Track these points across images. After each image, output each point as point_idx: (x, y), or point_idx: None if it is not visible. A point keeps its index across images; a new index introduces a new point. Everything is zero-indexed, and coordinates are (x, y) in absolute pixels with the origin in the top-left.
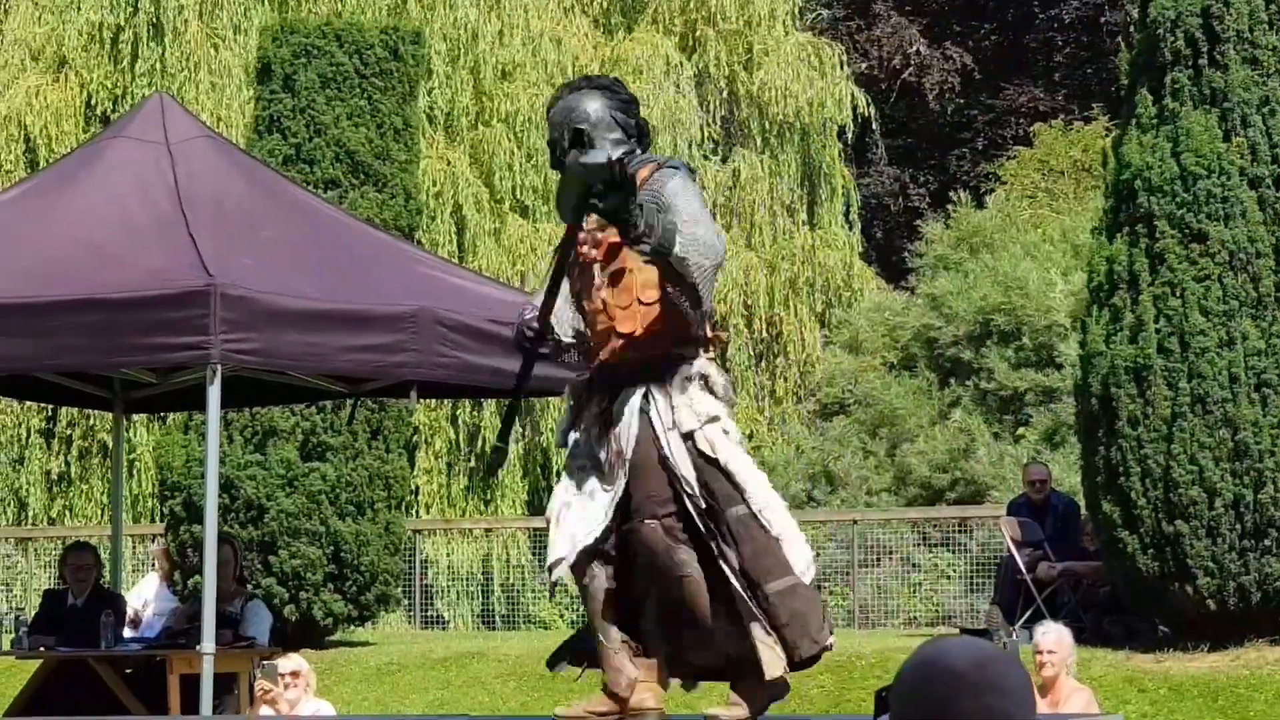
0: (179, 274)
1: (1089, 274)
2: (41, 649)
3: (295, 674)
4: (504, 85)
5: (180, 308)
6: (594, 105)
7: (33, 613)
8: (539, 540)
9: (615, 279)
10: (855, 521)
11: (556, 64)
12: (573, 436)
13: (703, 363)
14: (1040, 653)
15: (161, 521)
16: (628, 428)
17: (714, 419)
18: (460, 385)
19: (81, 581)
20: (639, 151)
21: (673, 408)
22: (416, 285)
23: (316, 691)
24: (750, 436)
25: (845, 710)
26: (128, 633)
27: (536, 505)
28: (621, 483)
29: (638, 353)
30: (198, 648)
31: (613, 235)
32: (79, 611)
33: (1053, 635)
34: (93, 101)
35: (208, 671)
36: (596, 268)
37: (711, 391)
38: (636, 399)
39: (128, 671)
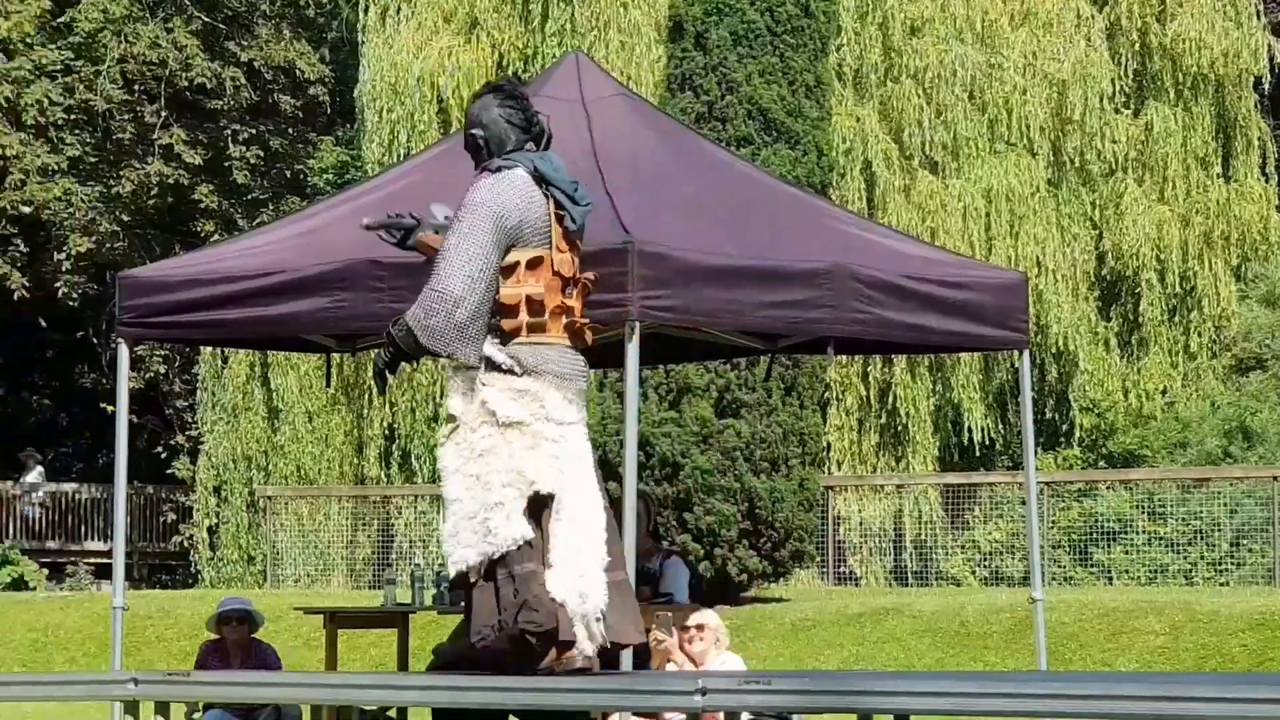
0: (597, 232)
1: None
2: (463, 604)
3: (700, 627)
4: (913, 41)
5: (598, 265)
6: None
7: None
8: (950, 497)
9: None
10: (1275, 478)
11: (965, 19)
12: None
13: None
14: None
15: None
16: None
17: None
18: (876, 341)
19: None
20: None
21: None
22: (831, 241)
23: (731, 647)
24: (1164, 393)
25: (1269, 668)
26: None
27: (948, 461)
28: None
29: None
30: None
31: None
32: None
33: None
34: (504, 62)
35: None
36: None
37: None
38: None
39: None
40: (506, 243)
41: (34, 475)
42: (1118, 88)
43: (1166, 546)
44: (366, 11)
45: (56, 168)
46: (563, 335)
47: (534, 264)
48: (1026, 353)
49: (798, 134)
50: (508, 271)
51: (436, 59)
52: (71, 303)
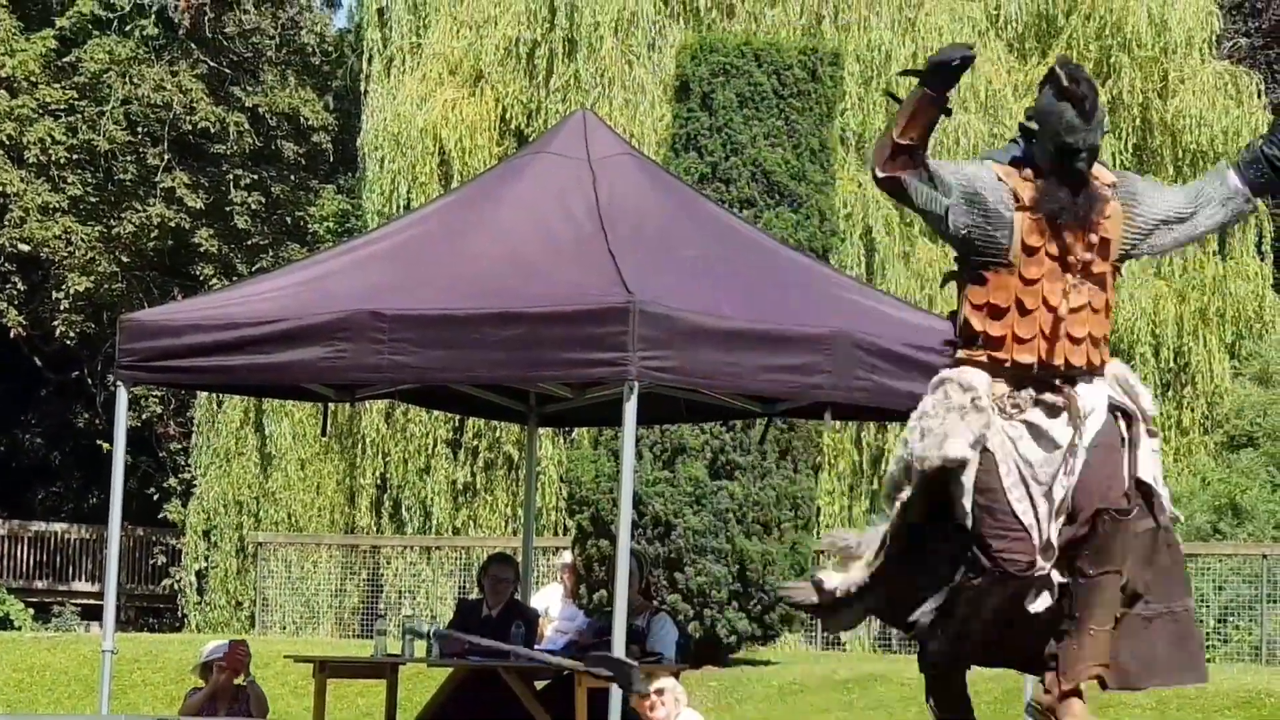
0: (599, 290)
1: None
2: (454, 655)
3: (661, 691)
4: None
5: (599, 324)
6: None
7: (443, 621)
8: None
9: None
10: (1265, 556)
11: (969, 87)
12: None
13: None
14: None
15: (566, 535)
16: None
17: None
18: (873, 408)
19: (499, 593)
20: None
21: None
22: (832, 307)
23: (719, 709)
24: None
25: None
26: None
27: None
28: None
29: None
30: None
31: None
32: (492, 622)
33: None
34: (507, 115)
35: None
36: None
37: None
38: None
39: (537, 684)
40: None
41: None
42: (1118, 161)
43: None
44: (371, 61)
45: (57, 206)
46: None
47: None
48: None
49: (801, 197)
50: None
51: (440, 111)
52: (69, 341)
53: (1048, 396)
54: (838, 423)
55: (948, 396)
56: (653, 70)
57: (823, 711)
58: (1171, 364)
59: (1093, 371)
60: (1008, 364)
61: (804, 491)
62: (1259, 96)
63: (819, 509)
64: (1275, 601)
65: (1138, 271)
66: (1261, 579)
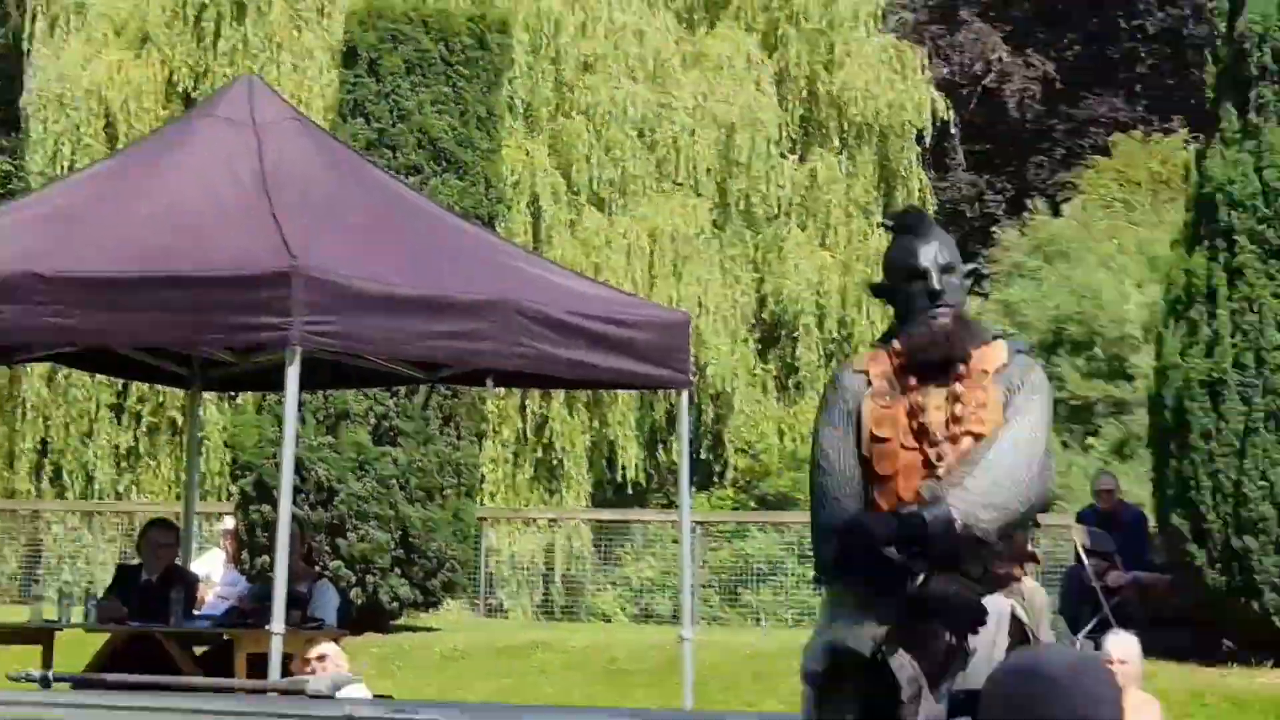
0: (262, 255)
1: (1166, 286)
2: (112, 621)
3: (321, 658)
4: (585, 77)
5: (262, 289)
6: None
7: (102, 586)
8: (603, 533)
9: None
10: None
11: (638, 58)
12: None
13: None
14: (1110, 662)
15: (229, 500)
16: None
17: None
18: (536, 375)
19: (159, 559)
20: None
21: None
22: (497, 274)
23: (381, 675)
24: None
25: None
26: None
27: (600, 497)
28: None
29: None
30: (267, 627)
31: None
32: (151, 588)
33: (1124, 645)
34: (174, 79)
35: (276, 651)
36: None
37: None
38: None
39: (196, 649)
40: None
41: None
42: (785, 133)
43: (816, 589)
44: (35, 20)
45: None
46: None
47: None
48: (686, 392)
49: (467, 164)
50: None
51: (106, 72)
52: None
53: None
54: (501, 389)
55: None
56: (321, 36)
57: (484, 678)
58: (835, 334)
59: None
60: None
61: (468, 458)
62: (922, 71)
63: (483, 476)
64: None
65: (803, 243)
66: None
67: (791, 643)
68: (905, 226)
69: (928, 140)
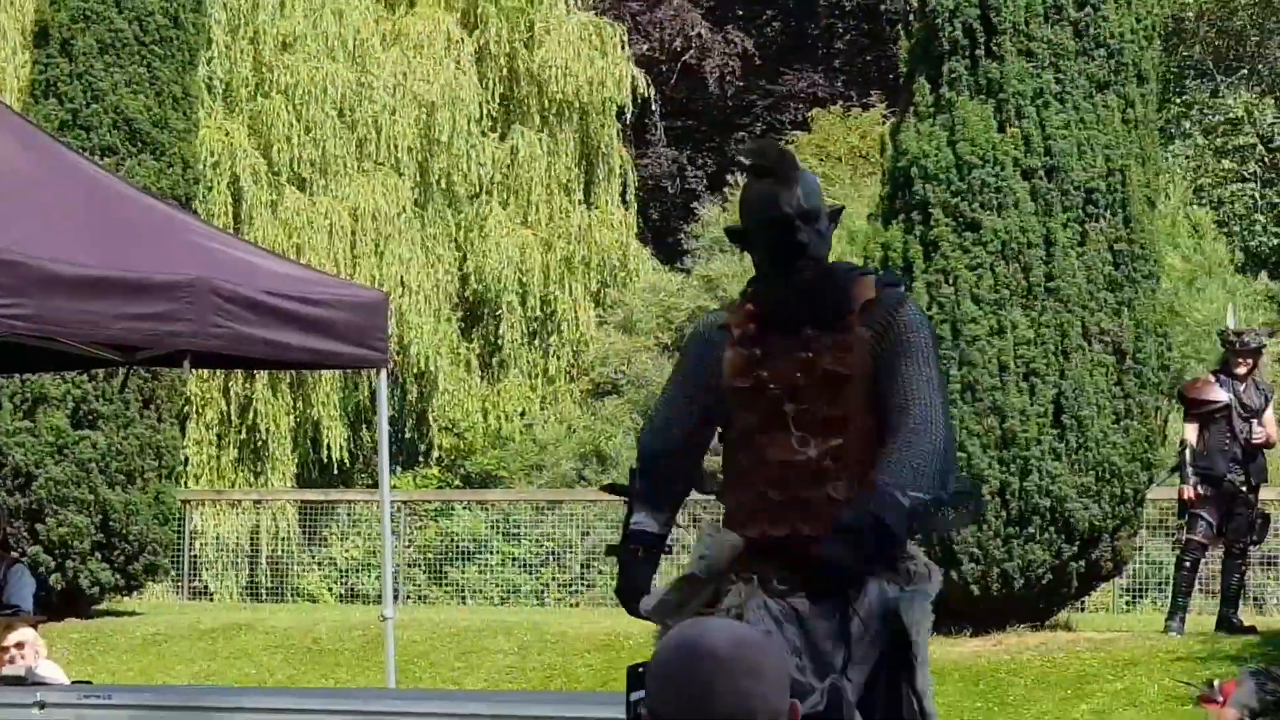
0: None
1: (863, 259)
2: None
3: (20, 645)
4: (284, 57)
5: None
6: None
7: None
8: (309, 513)
9: None
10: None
11: (337, 37)
12: None
13: None
14: None
15: None
16: None
17: None
18: (234, 356)
19: None
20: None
21: None
22: (193, 255)
23: (80, 660)
24: (522, 415)
25: (612, 689)
26: None
27: (306, 478)
28: None
29: None
30: None
31: None
32: None
33: None
34: None
35: None
36: None
37: None
38: None
39: None
40: None
41: None
42: (485, 111)
43: (520, 567)
44: None
45: None
46: None
47: None
48: (384, 371)
49: (163, 145)
50: None
51: None
52: None
53: None
54: (202, 371)
55: None
56: (14, 15)
57: (187, 661)
58: (538, 312)
59: None
60: None
61: (169, 441)
62: (622, 47)
63: (186, 458)
64: None
65: (505, 220)
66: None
67: (495, 620)
68: (765, 170)
69: (628, 117)
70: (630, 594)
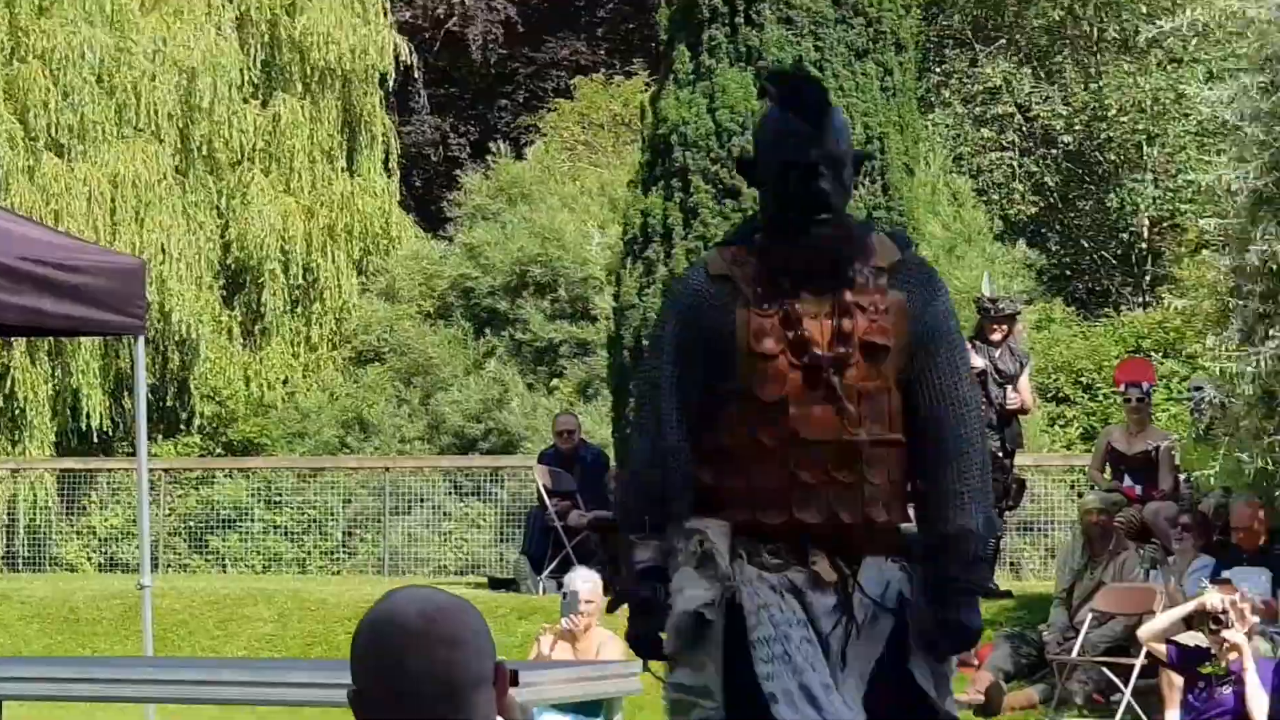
0: None
1: (624, 227)
2: None
3: None
4: (41, 21)
5: None
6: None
7: None
8: (66, 482)
9: None
10: (387, 469)
11: (95, 2)
12: None
13: None
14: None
15: None
16: None
17: None
18: None
19: None
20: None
21: None
22: None
23: None
24: (285, 383)
25: None
26: None
27: (65, 446)
28: None
29: None
30: None
31: None
32: None
33: (589, 584)
34: None
35: None
36: None
37: None
38: None
39: None
40: None
41: None
42: (247, 78)
43: (283, 535)
44: None
45: None
46: None
47: None
48: (141, 339)
49: None
50: None
51: None
52: None
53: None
54: None
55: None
56: None
57: None
58: (301, 280)
59: None
60: None
61: None
62: (385, 16)
63: None
64: (398, 514)
65: (267, 188)
66: (385, 492)
67: (256, 588)
68: (793, 102)
69: (391, 84)
70: (657, 640)
